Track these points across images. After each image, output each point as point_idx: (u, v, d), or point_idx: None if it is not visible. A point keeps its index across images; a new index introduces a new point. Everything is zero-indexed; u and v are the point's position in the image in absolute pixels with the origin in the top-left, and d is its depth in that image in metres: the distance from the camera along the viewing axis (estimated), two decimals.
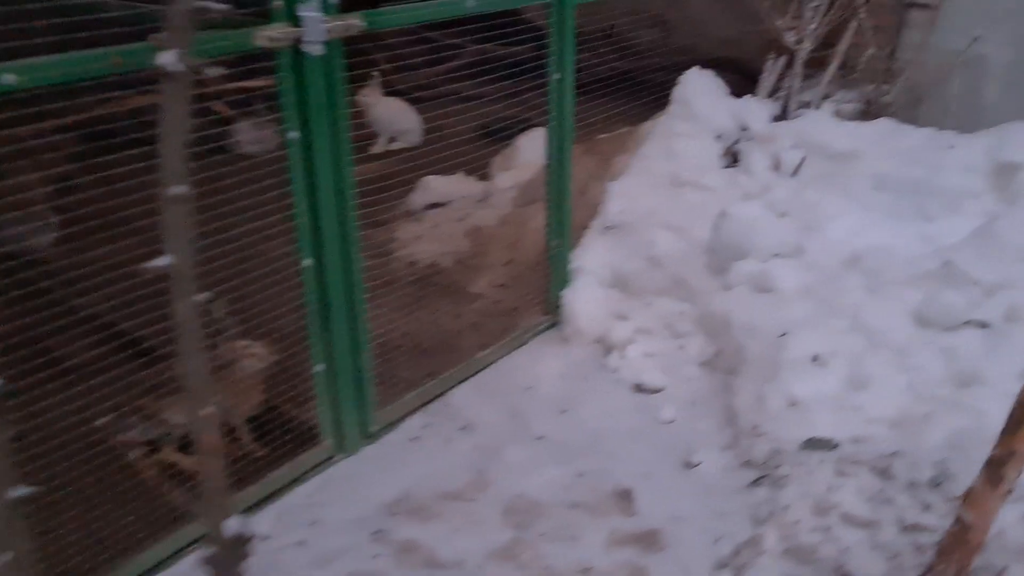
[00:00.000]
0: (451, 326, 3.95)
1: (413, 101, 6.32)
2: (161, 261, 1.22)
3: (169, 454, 3.11)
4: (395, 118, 6.26)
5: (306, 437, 3.10)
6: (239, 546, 1.52)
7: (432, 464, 3.16)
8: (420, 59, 7.03)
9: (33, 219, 4.39)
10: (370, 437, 3.24)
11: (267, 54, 2.53)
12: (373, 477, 3.09)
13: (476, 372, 3.64)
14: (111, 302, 2.80)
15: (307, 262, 2.84)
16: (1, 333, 2.56)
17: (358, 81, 5.60)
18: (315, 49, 2.62)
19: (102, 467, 2.76)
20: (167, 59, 1.15)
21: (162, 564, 2.66)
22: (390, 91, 6.32)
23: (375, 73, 6.05)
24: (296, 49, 2.59)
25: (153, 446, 3.10)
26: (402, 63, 6.69)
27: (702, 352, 3.68)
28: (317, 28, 2.60)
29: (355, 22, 2.72)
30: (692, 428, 3.33)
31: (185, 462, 3.09)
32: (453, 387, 3.54)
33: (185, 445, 3.12)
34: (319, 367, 2.99)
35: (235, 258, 2.83)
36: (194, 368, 1.41)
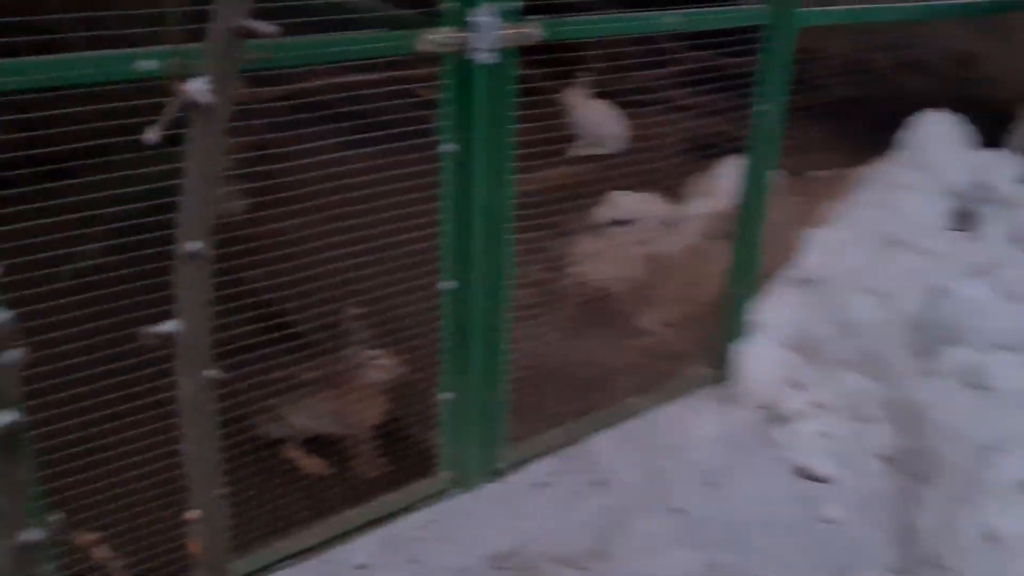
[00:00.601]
0: (606, 362, 3.63)
1: (622, 106, 6.00)
2: (167, 327, 1.03)
3: (295, 454, 3.03)
4: (598, 123, 5.97)
5: (423, 465, 2.91)
6: None
7: (553, 519, 2.88)
8: (634, 61, 6.70)
9: (226, 185, 4.50)
10: (494, 474, 3.01)
11: (430, 59, 2.33)
12: (487, 520, 2.85)
13: (622, 420, 3.32)
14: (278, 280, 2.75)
15: (448, 284, 2.63)
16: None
17: (563, 78, 5.37)
18: (486, 57, 2.39)
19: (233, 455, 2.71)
20: (196, 87, 0.94)
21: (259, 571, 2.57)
22: (598, 92, 6.04)
23: (582, 73, 5.79)
24: (464, 56, 2.37)
25: (279, 442, 3.04)
26: (614, 64, 6.39)
27: (887, 445, 3.15)
28: (490, 35, 2.37)
29: (533, 31, 2.45)
30: (858, 536, 2.84)
31: (306, 463, 3.01)
32: (594, 432, 3.24)
33: (309, 446, 3.05)
34: (447, 395, 2.79)
35: (379, 262, 2.68)
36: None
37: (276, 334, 3.23)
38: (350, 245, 2.78)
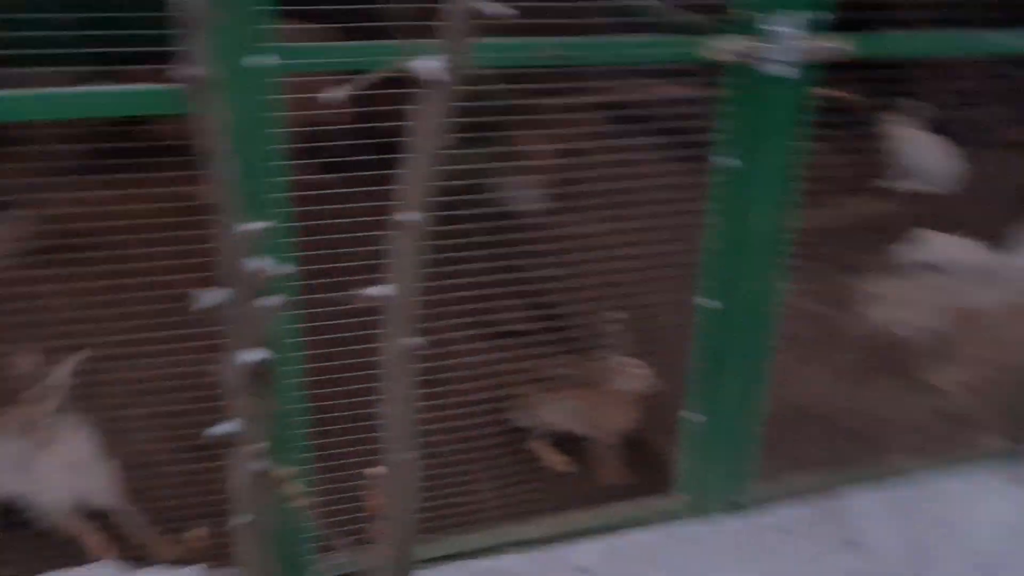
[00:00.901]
0: (882, 414, 3.30)
1: (956, 141, 5.43)
2: (378, 290, 1.08)
3: (538, 447, 3.10)
4: (924, 156, 5.45)
5: (660, 482, 2.84)
6: None
7: (795, 572, 2.68)
8: (981, 93, 6.02)
9: (533, 186, 4.70)
10: (734, 508, 2.86)
11: (712, 68, 2.25)
12: (719, 555, 2.72)
13: (889, 480, 3.00)
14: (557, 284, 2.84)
15: (709, 303, 2.54)
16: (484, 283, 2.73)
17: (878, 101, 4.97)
18: (779, 69, 2.26)
19: (480, 439, 2.83)
20: (428, 65, 0.98)
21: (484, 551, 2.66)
22: (925, 121, 5.50)
23: (910, 102, 5.30)
24: (752, 66, 2.26)
25: (526, 434, 3.12)
26: (955, 93, 5.79)
27: None
28: (787, 46, 2.24)
29: (842, 45, 2.28)
30: None
31: (550, 458, 3.06)
32: (852, 487, 2.96)
33: (555, 442, 3.09)
34: (694, 415, 2.69)
35: (644, 270, 2.66)
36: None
37: (541, 325, 3.33)
38: (620, 249, 2.79)
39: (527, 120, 4.51)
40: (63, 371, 2.46)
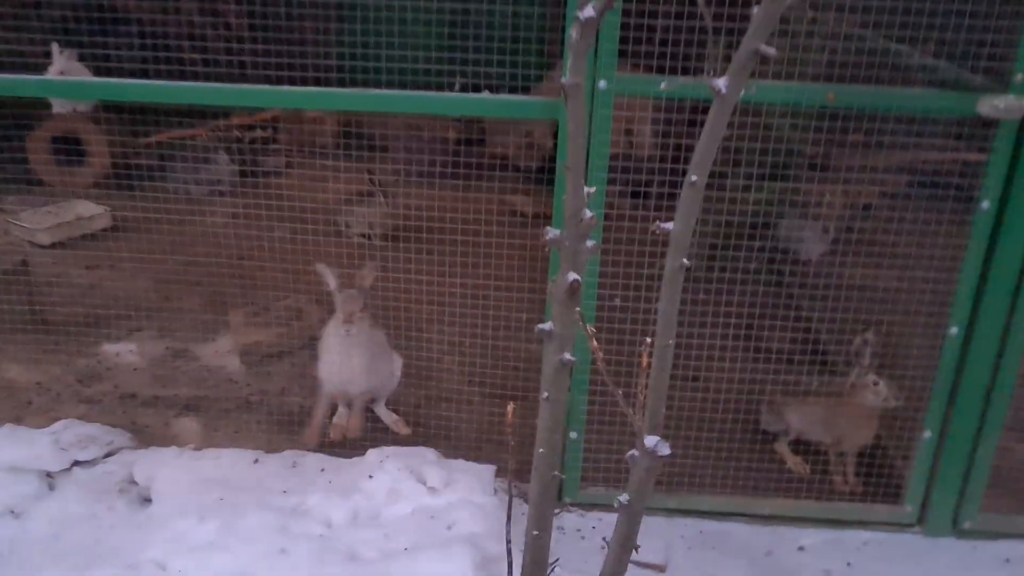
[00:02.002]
0: None
1: None
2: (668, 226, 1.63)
3: (782, 449, 3.47)
4: None
5: (889, 491, 3.12)
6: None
7: None
8: None
9: (816, 229, 5.07)
10: (959, 532, 3.07)
11: (984, 122, 2.58)
12: (929, 568, 2.95)
13: None
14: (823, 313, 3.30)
15: (953, 330, 2.83)
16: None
17: None
18: None
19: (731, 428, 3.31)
20: (720, 83, 1.52)
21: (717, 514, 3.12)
22: None
23: None
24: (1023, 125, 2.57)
25: (775, 436, 3.52)
26: None
27: None
28: None
29: None
30: None
31: (792, 460, 3.42)
32: None
33: (796, 447, 3.46)
34: (927, 434, 2.96)
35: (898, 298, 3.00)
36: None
37: (802, 346, 3.72)
38: (882, 284, 3.17)
39: (821, 169, 4.89)
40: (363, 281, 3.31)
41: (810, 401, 3.41)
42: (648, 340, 1.72)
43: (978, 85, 2.62)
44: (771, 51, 1.48)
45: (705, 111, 1.59)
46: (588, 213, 1.94)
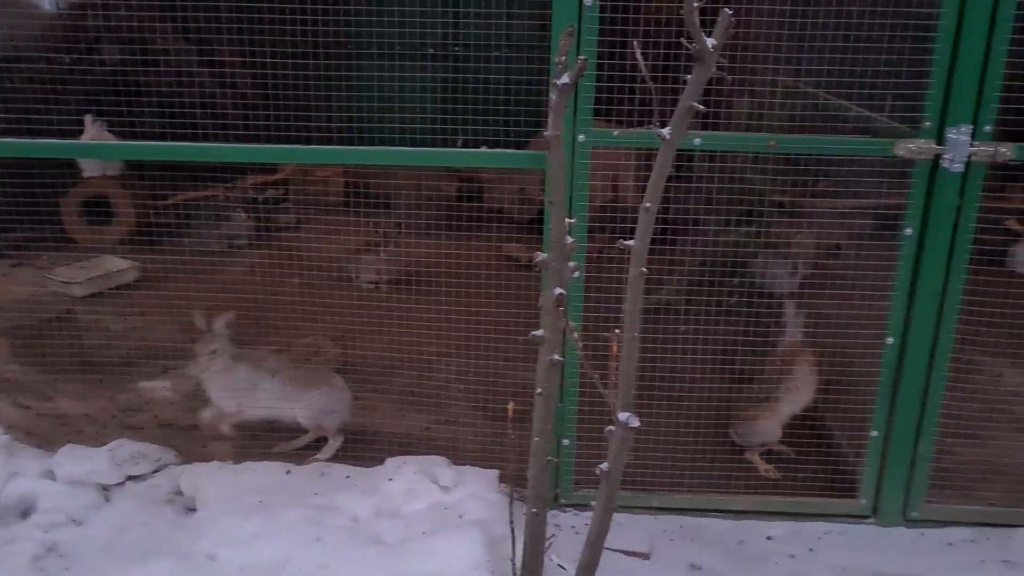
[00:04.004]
0: None
1: None
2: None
3: (752, 456, 3.90)
4: None
5: (847, 486, 3.54)
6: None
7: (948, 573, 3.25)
8: None
9: (787, 267, 5.55)
10: (909, 522, 3.48)
11: (902, 163, 3.08)
12: (882, 551, 3.35)
13: None
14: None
15: (890, 340, 3.29)
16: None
17: None
18: (954, 167, 3.04)
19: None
20: (664, 132, 2.00)
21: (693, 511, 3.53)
22: None
23: None
24: (934, 164, 3.06)
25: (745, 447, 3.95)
26: None
27: None
28: (961, 150, 3.02)
29: (1005, 151, 3.02)
30: None
31: (761, 467, 3.84)
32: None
33: (766, 454, 3.88)
34: (874, 432, 3.40)
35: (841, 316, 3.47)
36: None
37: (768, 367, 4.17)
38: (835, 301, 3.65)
39: (792, 213, 5.42)
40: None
41: (767, 416, 3.87)
42: (617, 332, 2.18)
43: (898, 131, 3.13)
44: (700, 107, 1.97)
45: (682, 162, 2.09)
46: (569, 239, 2.43)
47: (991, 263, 4.82)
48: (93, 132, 6.20)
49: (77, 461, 3.47)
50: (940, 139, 3.04)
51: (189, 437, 3.99)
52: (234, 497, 3.30)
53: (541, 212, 3.70)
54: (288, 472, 3.49)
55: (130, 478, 3.51)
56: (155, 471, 3.58)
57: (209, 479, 3.44)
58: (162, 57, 6.48)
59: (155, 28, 6.46)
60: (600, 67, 3.05)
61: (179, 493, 3.47)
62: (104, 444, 3.68)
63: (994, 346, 3.61)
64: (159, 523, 3.32)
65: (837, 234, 5.20)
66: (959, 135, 3.02)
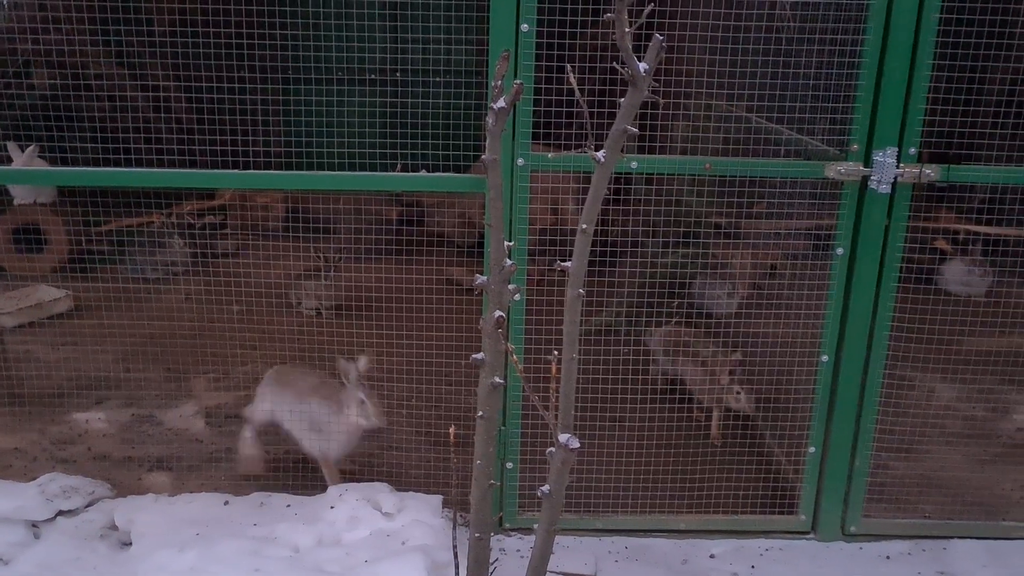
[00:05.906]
0: (1000, 488, 3.84)
1: None
2: None
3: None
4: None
5: (785, 503, 3.59)
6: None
7: None
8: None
9: (726, 288, 5.64)
10: (848, 536, 3.54)
11: (832, 184, 3.16)
12: (822, 566, 3.40)
13: (996, 537, 3.54)
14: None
15: (824, 358, 3.35)
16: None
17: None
18: (881, 188, 3.14)
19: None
20: (599, 155, 2.04)
21: (638, 532, 3.54)
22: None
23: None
24: (862, 185, 3.15)
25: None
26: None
27: None
28: (888, 171, 3.12)
29: (929, 172, 3.12)
30: None
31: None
32: (959, 537, 3.53)
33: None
34: (811, 449, 3.46)
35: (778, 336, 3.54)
36: None
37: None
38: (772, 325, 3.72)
39: (729, 235, 5.52)
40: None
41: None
42: (555, 353, 2.19)
43: (828, 154, 3.22)
44: (634, 130, 2.00)
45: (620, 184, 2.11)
46: (508, 262, 2.43)
47: (921, 281, 4.99)
48: (24, 158, 6.04)
49: (4, 497, 3.34)
50: (868, 161, 3.13)
51: (124, 469, 3.88)
52: (170, 530, 3.21)
53: (483, 236, 3.71)
54: (226, 503, 3.41)
55: (61, 513, 3.40)
56: (88, 505, 3.46)
57: (144, 512, 3.34)
58: (95, 81, 6.35)
59: (88, 52, 6.33)
60: (538, 91, 3.08)
61: (113, 527, 3.36)
62: (34, 478, 3.55)
63: (925, 362, 3.70)
64: (92, 559, 3.21)
65: (773, 255, 5.33)
66: (885, 157, 3.11)
